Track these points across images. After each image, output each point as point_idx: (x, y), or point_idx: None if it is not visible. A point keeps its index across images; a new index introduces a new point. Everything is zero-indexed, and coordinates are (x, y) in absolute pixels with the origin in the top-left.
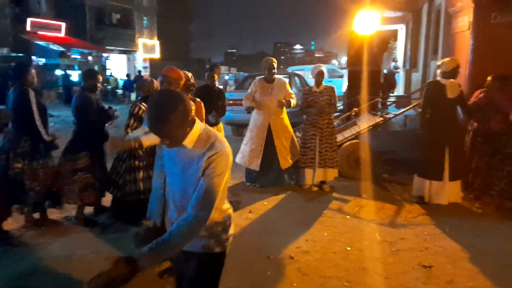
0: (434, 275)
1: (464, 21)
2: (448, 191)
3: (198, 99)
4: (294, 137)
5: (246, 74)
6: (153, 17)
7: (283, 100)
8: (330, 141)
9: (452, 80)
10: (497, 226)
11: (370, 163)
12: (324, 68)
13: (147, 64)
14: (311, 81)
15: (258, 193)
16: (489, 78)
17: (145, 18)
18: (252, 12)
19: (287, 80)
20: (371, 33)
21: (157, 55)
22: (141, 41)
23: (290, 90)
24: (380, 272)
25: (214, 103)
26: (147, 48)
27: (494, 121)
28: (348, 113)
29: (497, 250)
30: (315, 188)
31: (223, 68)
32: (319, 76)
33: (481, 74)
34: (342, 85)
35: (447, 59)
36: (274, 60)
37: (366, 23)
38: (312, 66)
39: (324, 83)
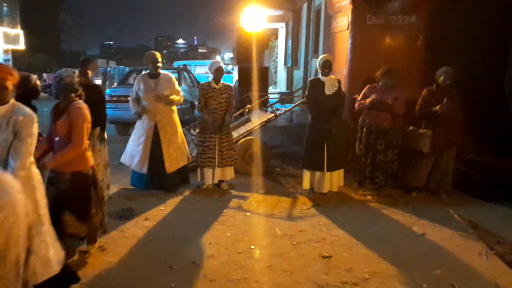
0: (334, 265)
1: (343, 21)
2: (328, 181)
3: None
4: (184, 138)
5: (129, 69)
6: (15, 3)
7: (163, 95)
8: (228, 139)
9: (332, 77)
10: (380, 212)
11: (264, 158)
12: (222, 64)
13: (9, 56)
14: (199, 77)
15: (153, 197)
16: (378, 72)
17: (4, 4)
18: (131, 3)
19: (175, 76)
20: (258, 30)
21: (21, 46)
22: (0, 30)
23: (177, 87)
24: (285, 267)
25: (91, 103)
26: (9, 38)
27: (384, 119)
28: (241, 110)
29: (384, 235)
30: (212, 187)
31: (100, 62)
32: (218, 72)
33: (359, 71)
34: (231, 82)
35: (321, 56)
36: (158, 54)
37: (254, 20)
38: (199, 61)
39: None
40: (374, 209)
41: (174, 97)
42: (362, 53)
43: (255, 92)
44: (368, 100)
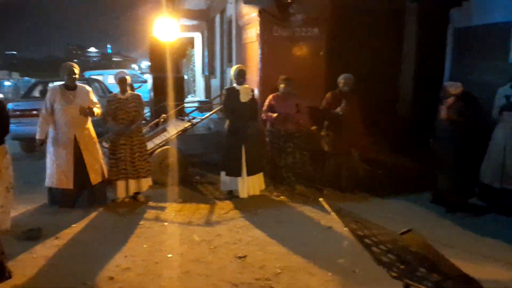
0: (248, 263)
1: (253, 33)
2: (248, 185)
3: None
4: (100, 149)
5: (33, 80)
6: None
7: (87, 107)
8: (141, 150)
9: (246, 86)
10: (293, 210)
11: (182, 167)
12: (126, 74)
13: None
14: (113, 87)
15: (63, 215)
16: (279, 81)
17: None
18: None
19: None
20: (172, 40)
21: None
22: None
23: (94, 99)
24: (202, 271)
25: None
26: None
27: (289, 123)
28: (157, 120)
29: (296, 231)
30: (128, 200)
31: (2, 73)
32: (121, 83)
33: (269, 79)
34: (146, 91)
35: (235, 66)
36: (75, 65)
37: (167, 30)
38: (113, 70)
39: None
40: (288, 209)
41: (96, 109)
42: (271, 62)
43: (170, 102)
44: (274, 115)
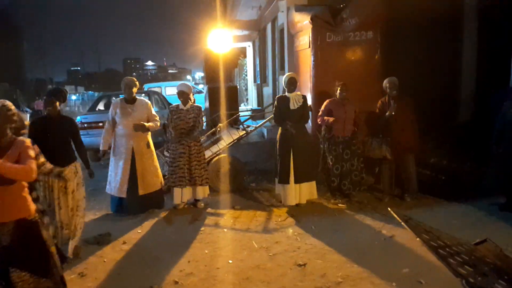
0: (308, 272)
1: (305, 40)
2: (297, 193)
3: (21, 138)
4: (157, 161)
5: (98, 94)
6: None
7: (140, 124)
8: (198, 159)
9: (298, 93)
10: (351, 218)
11: (238, 175)
12: (186, 86)
13: None
14: (171, 98)
15: (130, 220)
16: (335, 87)
17: None
18: (95, 26)
19: (146, 99)
20: (225, 51)
21: None
22: None
23: (153, 112)
24: (262, 278)
25: (60, 139)
26: None
27: (348, 130)
28: (213, 129)
29: (356, 240)
30: (188, 206)
31: (68, 88)
32: (180, 95)
33: (322, 85)
34: (202, 101)
35: (286, 74)
36: (134, 79)
37: (220, 42)
38: (170, 82)
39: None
40: (345, 217)
41: (150, 124)
42: (324, 69)
43: (224, 111)
44: (331, 119)
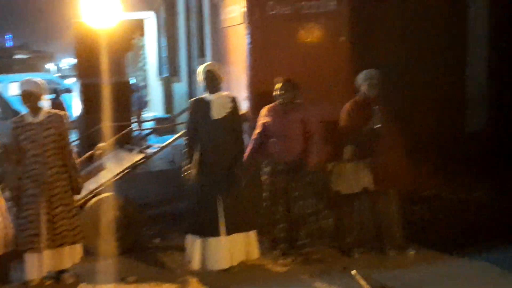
0: None
1: (236, 11)
2: (228, 250)
3: None
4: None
5: None
6: None
7: None
8: (65, 202)
9: (223, 93)
10: (310, 286)
11: (131, 225)
12: (34, 83)
13: None
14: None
15: None
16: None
17: None
18: None
19: None
20: (111, 25)
21: None
22: None
23: None
24: None
25: None
26: None
27: (292, 151)
28: (90, 152)
29: None
30: (48, 282)
31: None
32: (29, 98)
33: (263, 82)
34: (70, 105)
35: (204, 64)
36: None
37: (102, 11)
38: (15, 75)
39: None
40: (300, 285)
41: None
42: (266, 56)
43: (109, 122)
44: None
